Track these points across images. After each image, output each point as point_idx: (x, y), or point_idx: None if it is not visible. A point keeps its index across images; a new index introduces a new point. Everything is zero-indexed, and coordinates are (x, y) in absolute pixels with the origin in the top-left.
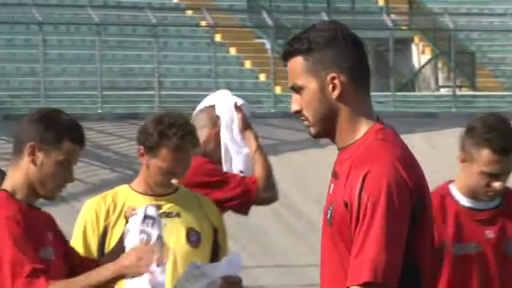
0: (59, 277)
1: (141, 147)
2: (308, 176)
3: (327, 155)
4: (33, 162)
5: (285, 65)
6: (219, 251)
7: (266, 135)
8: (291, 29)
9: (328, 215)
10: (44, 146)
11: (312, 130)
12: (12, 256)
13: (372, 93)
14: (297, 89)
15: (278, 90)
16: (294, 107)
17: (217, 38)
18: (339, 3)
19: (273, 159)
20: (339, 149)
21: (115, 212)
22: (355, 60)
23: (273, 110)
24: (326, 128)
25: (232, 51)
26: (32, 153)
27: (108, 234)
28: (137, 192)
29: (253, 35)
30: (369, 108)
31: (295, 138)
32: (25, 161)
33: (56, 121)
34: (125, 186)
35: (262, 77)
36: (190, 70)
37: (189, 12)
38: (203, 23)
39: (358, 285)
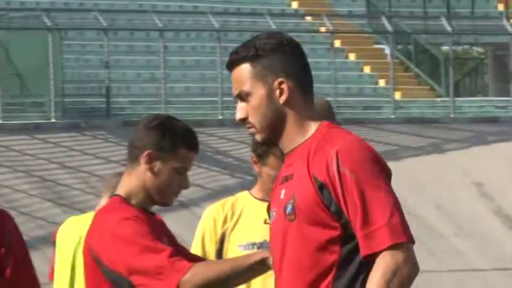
0: None
1: (253, 155)
2: (427, 181)
3: (447, 160)
4: (151, 170)
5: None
6: None
7: (385, 140)
8: (411, 34)
9: (288, 210)
10: (160, 154)
11: (259, 136)
12: (147, 246)
13: (490, 98)
14: (243, 96)
15: (398, 95)
16: (239, 115)
17: (337, 43)
18: (458, 8)
19: (392, 165)
20: (285, 154)
21: (233, 218)
22: (300, 66)
23: (392, 116)
24: (273, 133)
25: (352, 56)
26: (149, 161)
27: (226, 241)
28: (256, 198)
29: (372, 41)
30: (314, 113)
31: (415, 143)
32: (142, 168)
33: (171, 128)
34: (245, 192)
35: (381, 83)
36: None
37: (309, 19)
38: (322, 29)
39: (382, 250)
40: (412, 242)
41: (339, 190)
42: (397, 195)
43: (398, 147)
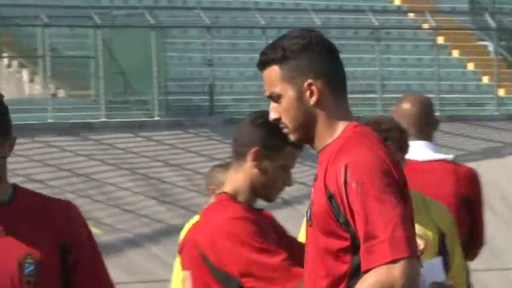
0: None
1: None
2: None
3: None
4: (257, 167)
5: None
6: (447, 256)
7: (489, 137)
8: None
9: (308, 215)
10: (267, 151)
11: (292, 137)
12: (261, 248)
13: None
14: (275, 98)
15: (501, 92)
16: (273, 115)
17: (440, 40)
18: None
19: (495, 163)
20: (318, 153)
21: None
22: (330, 65)
23: (496, 113)
24: (305, 134)
25: (455, 53)
26: (256, 158)
27: None
28: None
29: (476, 37)
30: (347, 111)
31: None
32: (248, 165)
33: (278, 126)
34: None
35: (485, 80)
36: (413, 73)
37: (411, 15)
38: (425, 25)
39: (382, 264)
40: (415, 255)
41: (345, 202)
42: (500, 192)
43: (501, 145)
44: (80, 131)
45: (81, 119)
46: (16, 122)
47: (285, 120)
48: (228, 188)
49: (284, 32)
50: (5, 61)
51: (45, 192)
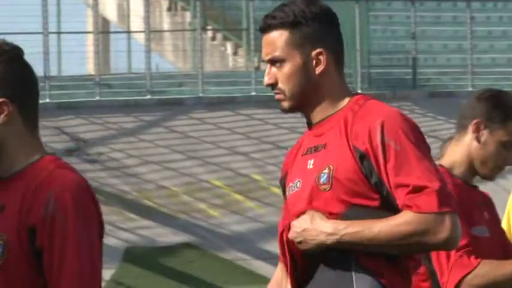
0: (492, 255)
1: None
2: None
3: None
4: (477, 139)
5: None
6: None
7: None
8: None
9: (322, 179)
10: (489, 124)
11: (286, 104)
12: None
13: None
14: (275, 62)
15: None
16: (268, 80)
17: None
18: None
19: None
20: (313, 124)
21: None
22: (337, 38)
23: None
24: (302, 103)
25: None
26: (477, 130)
27: None
28: None
29: None
30: (347, 86)
31: None
32: (468, 137)
33: (503, 101)
34: None
35: None
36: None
37: None
38: None
39: (430, 212)
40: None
41: (381, 161)
42: None
43: None
44: None
45: None
46: (219, 95)
47: (282, 86)
48: (445, 160)
49: (489, 5)
50: (209, 34)
51: (247, 164)
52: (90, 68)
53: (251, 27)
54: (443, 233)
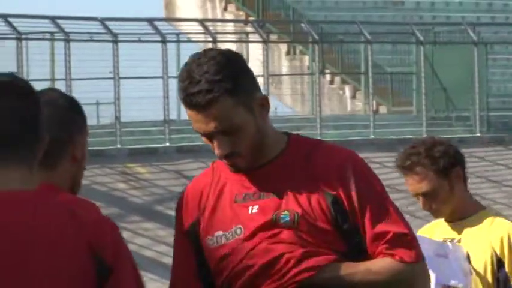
0: None
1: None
2: None
3: None
4: None
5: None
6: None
7: None
8: None
9: (285, 220)
10: None
11: (244, 163)
12: None
13: None
14: (232, 130)
15: None
16: (226, 150)
17: None
18: None
19: None
20: (252, 169)
21: None
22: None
23: None
24: (254, 154)
25: None
26: None
27: None
28: None
29: None
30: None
31: None
32: None
33: None
34: None
35: None
36: None
37: None
38: None
39: (408, 261)
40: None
41: (356, 206)
42: None
43: None
44: (400, 147)
45: (402, 135)
46: (337, 138)
47: (240, 149)
48: None
49: None
50: (328, 77)
51: None
52: None
53: (369, 70)
54: (422, 283)
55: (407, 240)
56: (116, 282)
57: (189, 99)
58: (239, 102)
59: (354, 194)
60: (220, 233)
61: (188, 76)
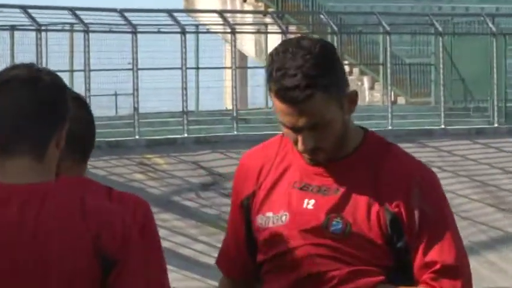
0: None
1: None
2: None
3: None
4: None
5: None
6: None
7: None
8: None
9: (336, 228)
10: None
11: (324, 158)
12: None
13: None
14: (320, 126)
15: None
16: (310, 145)
17: None
18: None
19: None
20: (323, 162)
21: None
22: None
23: None
24: (334, 149)
25: None
26: None
27: None
28: None
29: None
30: None
31: None
32: None
33: None
34: None
35: None
36: None
37: None
38: None
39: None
40: None
41: (415, 229)
42: None
43: None
44: (418, 138)
45: (420, 126)
46: None
47: (324, 145)
48: None
49: None
50: (346, 68)
51: None
52: (227, 103)
53: (388, 61)
54: None
55: (455, 273)
56: (117, 275)
57: (283, 93)
58: (332, 98)
59: (416, 214)
60: (271, 214)
61: (281, 67)
